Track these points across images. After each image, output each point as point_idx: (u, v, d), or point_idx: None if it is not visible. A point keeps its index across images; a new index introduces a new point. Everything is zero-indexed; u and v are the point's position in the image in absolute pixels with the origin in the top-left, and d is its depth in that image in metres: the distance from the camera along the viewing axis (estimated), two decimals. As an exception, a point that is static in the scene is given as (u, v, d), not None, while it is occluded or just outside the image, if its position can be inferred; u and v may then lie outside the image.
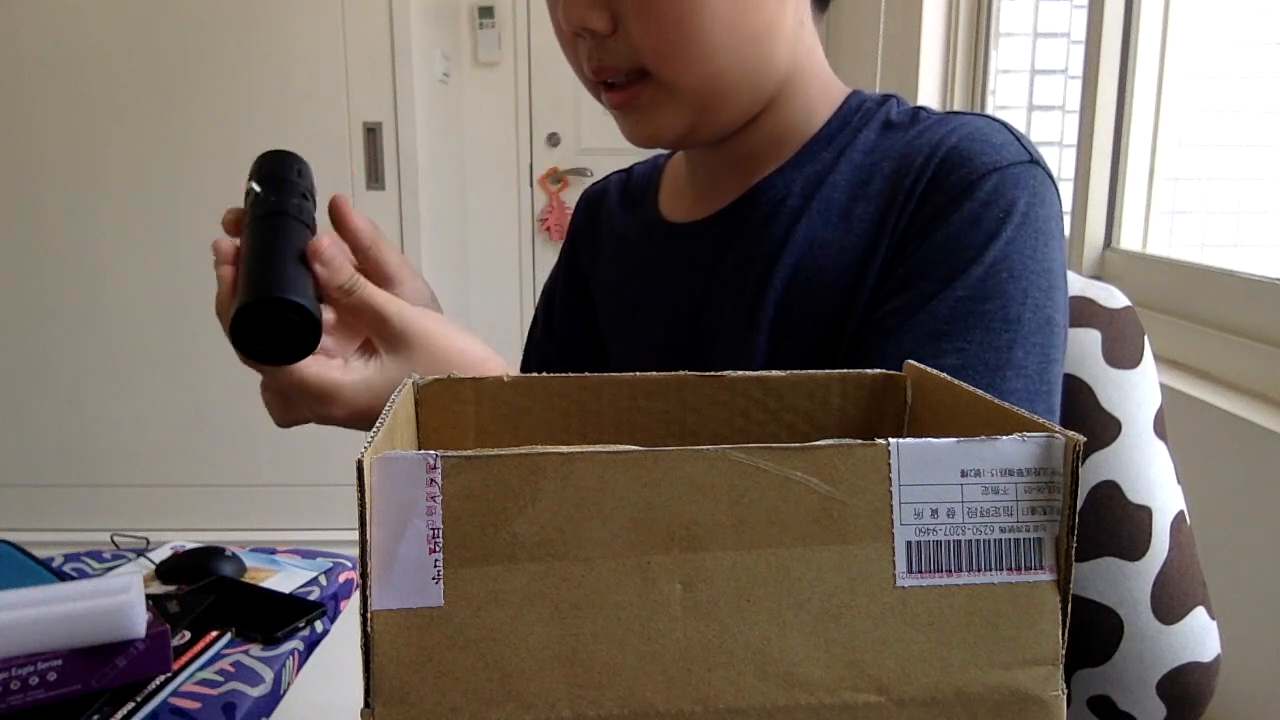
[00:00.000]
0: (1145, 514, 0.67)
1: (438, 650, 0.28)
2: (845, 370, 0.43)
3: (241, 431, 2.62)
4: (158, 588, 1.17)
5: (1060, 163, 1.89)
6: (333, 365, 0.55)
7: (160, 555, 1.24)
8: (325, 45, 2.48)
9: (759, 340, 0.63)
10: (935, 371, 0.40)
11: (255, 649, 1.02)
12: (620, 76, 0.63)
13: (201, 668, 0.97)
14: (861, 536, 0.29)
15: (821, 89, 0.68)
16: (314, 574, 1.22)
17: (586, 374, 0.42)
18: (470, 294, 2.89)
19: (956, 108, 2.03)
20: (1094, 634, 0.67)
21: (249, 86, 2.49)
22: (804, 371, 0.42)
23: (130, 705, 0.89)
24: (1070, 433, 0.29)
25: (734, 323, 0.65)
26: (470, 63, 2.85)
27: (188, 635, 1.02)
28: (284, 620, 1.06)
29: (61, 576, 1.16)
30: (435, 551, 0.28)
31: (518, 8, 2.83)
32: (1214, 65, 1.58)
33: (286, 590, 1.16)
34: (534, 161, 2.94)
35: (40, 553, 1.21)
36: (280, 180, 0.60)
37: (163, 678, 0.93)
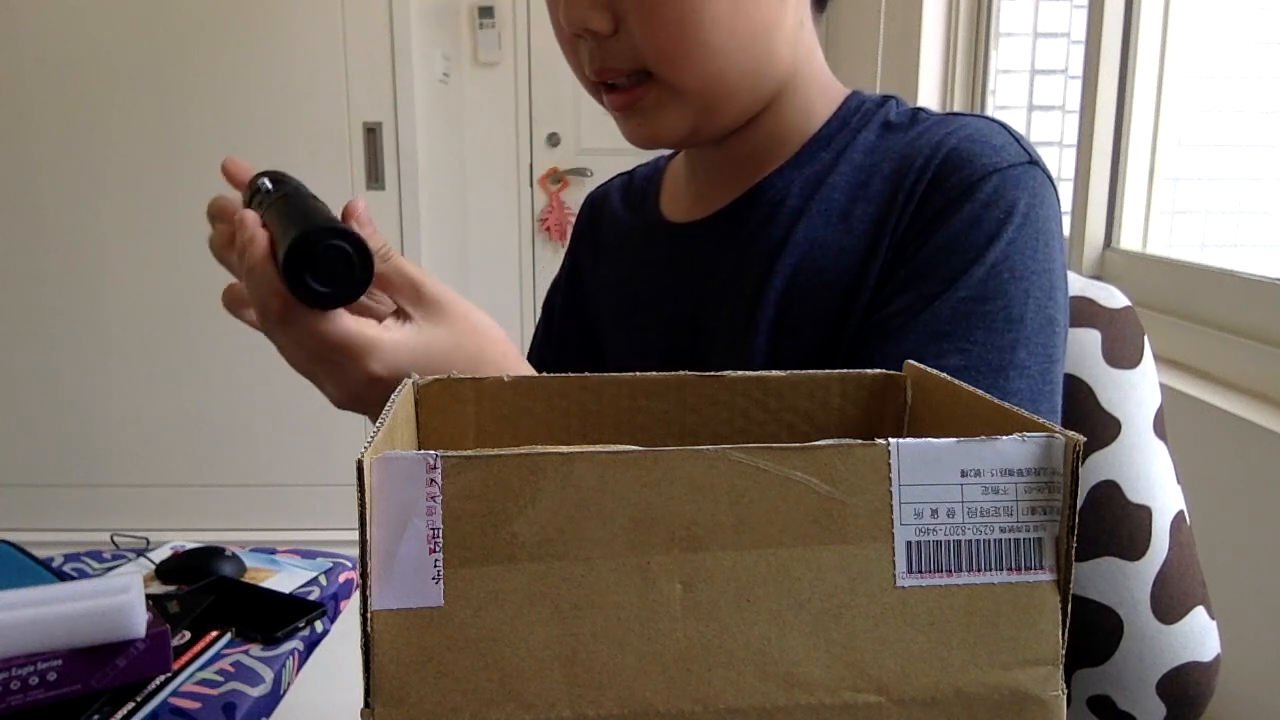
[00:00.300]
0: (1145, 514, 0.67)
1: (438, 650, 0.28)
2: (845, 370, 0.43)
3: (241, 431, 2.62)
4: (158, 588, 1.17)
5: (1060, 163, 1.89)
6: (370, 322, 0.53)
7: (160, 555, 1.24)
8: (325, 45, 2.48)
9: (759, 340, 0.63)
10: (935, 371, 0.40)
11: (255, 649, 1.02)
12: (622, 78, 0.62)
13: (201, 668, 0.97)
14: (861, 536, 0.29)
15: (821, 89, 0.68)
16: (314, 574, 1.22)
17: (586, 374, 0.42)
18: (470, 294, 2.88)
19: (956, 108, 2.03)
20: (1094, 634, 0.67)
21: (249, 86, 2.49)
22: (804, 371, 0.42)
23: (130, 705, 0.89)
24: (1070, 433, 0.29)
25: (733, 323, 0.65)
26: (470, 63, 2.85)
27: (188, 635, 1.02)
28: (284, 620, 1.06)
29: (61, 576, 1.16)
30: (435, 551, 0.28)
31: (518, 8, 2.84)
32: (1214, 65, 1.58)
33: (286, 590, 1.16)
34: (534, 161, 2.94)
35: (40, 553, 1.21)
36: (287, 178, 0.60)
37: (163, 678, 0.93)
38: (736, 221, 0.68)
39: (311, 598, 1.15)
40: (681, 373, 0.42)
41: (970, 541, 0.29)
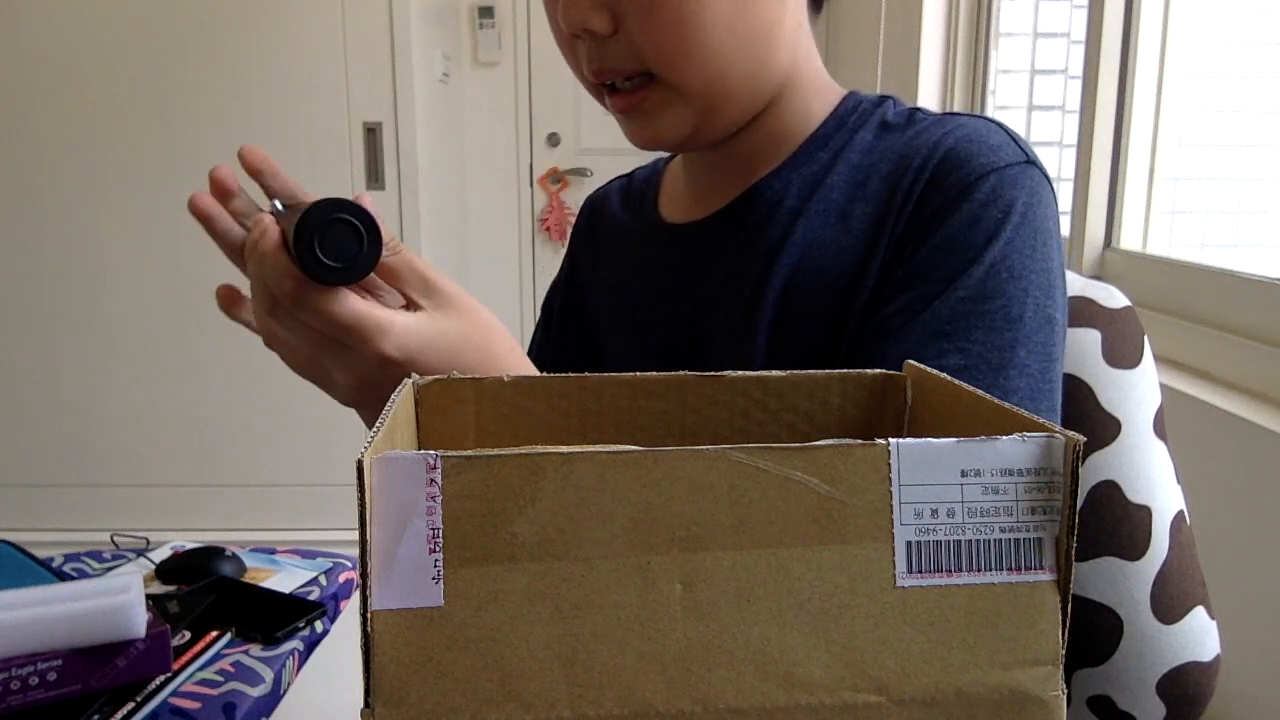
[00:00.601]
0: (1145, 514, 0.67)
1: (438, 650, 0.28)
2: (845, 370, 0.43)
3: (241, 431, 2.62)
4: (158, 588, 1.17)
5: (1060, 163, 1.89)
6: (380, 305, 0.53)
7: (160, 555, 1.24)
8: (325, 45, 2.48)
9: (758, 340, 0.63)
10: (935, 371, 0.40)
11: (255, 649, 1.02)
12: (621, 79, 0.63)
13: (201, 668, 0.97)
14: (861, 536, 0.29)
15: (818, 90, 0.69)
16: (314, 574, 1.22)
17: (586, 374, 0.42)
18: (470, 293, 2.88)
19: (957, 108, 2.03)
20: (1094, 634, 0.67)
21: (249, 86, 2.49)
22: (804, 371, 0.42)
23: (130, 705, 0.89)
24: (1070, 433, 0.29)
25: (732, 323, 0.65)
26: (470, 63, 2.85)
27: (188, 635, 1.02)
28: (284, 620, 1.06)
29: (61, 576, 1.16)
30: (435, 551, 0.28)
31: (518, 8, 2.84)
32: (1214, 65, 1.58)
33: (286, 590, 1.16)
34: (534, 161, 2.94)
35: (40, 553, 1.21)
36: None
37: (163, 678, 0.93)
38: (735, 222, 0.68)
39: (311, 598, 1.15)
40: (681, 373, 0.42)
41: (970, 541, 0.29)
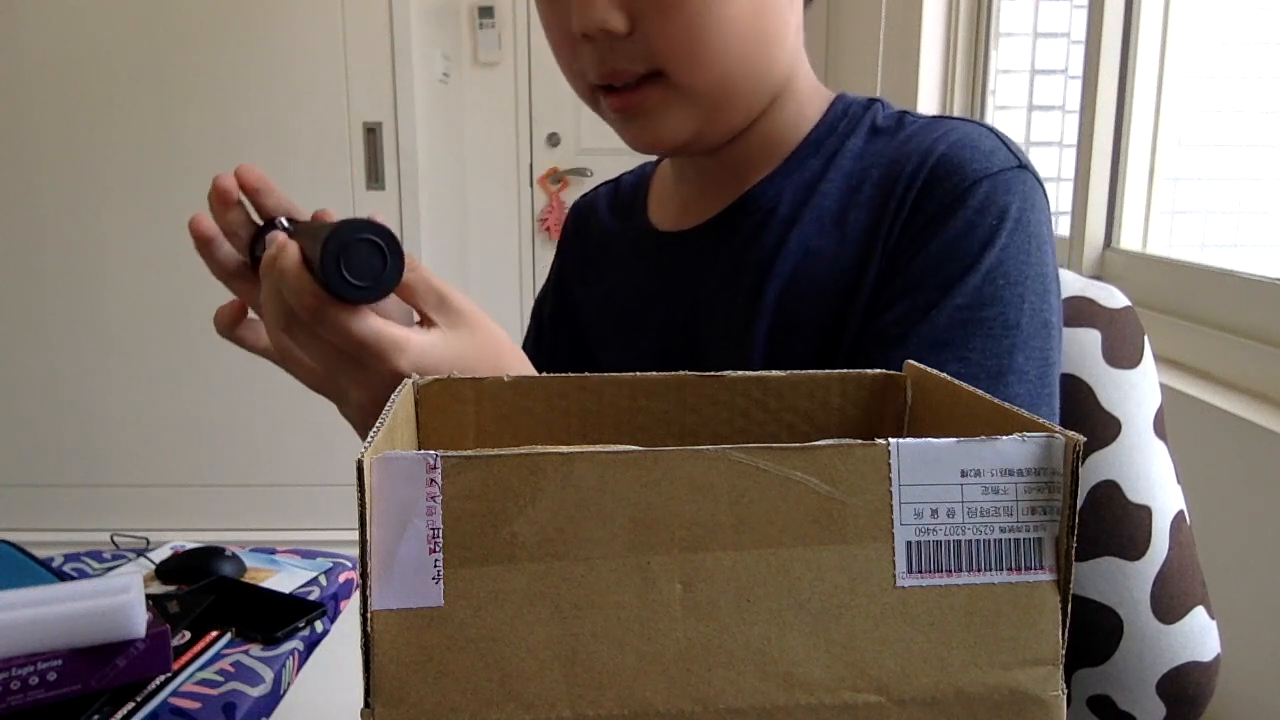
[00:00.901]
0: (1145, 513, 0.67)
1: (438, 650, 0.28)
2: (845, 370, 0.43)
3: (241, 431, 2.62)
4: (158, 588, 1.17)
5: (1060, 163, 1.89)
6: (396, 324, 0.54)
7: (160, 555, 1.24)
8: (325, 45, 2.48)
9: (754, 348, 0.63)
10: (935, 372, 0.40)
11: (255, 649, 1.02)
12: (632, 79, 0.62)
13: (201, 668, 0.97)
14: (861, 536, 0.29)
15: (810, 95, 0.68)
16: (314, 574, 1.22)
17: (586, 374, 0.42)
18: (470, 294, 2.87)
19: (957, 107, 2.03)
20: (1094, 633, 0.67)
21: (249, 86, 2.49)
22: (804, 371, 0.43)
23: (130, 705, 0.89)
24: (1070, 433, 0.29)
25: (729, 331, 0.65)
26: (470, 63, 2.85)
27: (188, 635, 1.02)
28: (284, 620, 1.06)
29: (61, 576, 1.16)
30: (435, 551, 0.28)
31: (518, 8, 2.84)
32: (1214, 65, 1.58)
33: (286, 590, 1.16)
34: (534, 161, 2.94)
35: (40, 553, 1.21)
36: (296, 220, 0.61)
37: (163, 678, 0.93)
38: (728, 230, 0.67)
39: (311, 598, 1.15)
40: (681, 373, 0.42)
41: (970, 541, 0.29)
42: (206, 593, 1.11)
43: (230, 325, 0.61)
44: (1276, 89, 1.60)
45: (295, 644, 1.04)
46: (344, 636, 1.11)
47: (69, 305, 2.59)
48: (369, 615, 0.28)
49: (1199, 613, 0.68)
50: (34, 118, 2.50)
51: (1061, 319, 0.61)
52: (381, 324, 0.51)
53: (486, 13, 2.80)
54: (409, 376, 0.52)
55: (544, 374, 0.43)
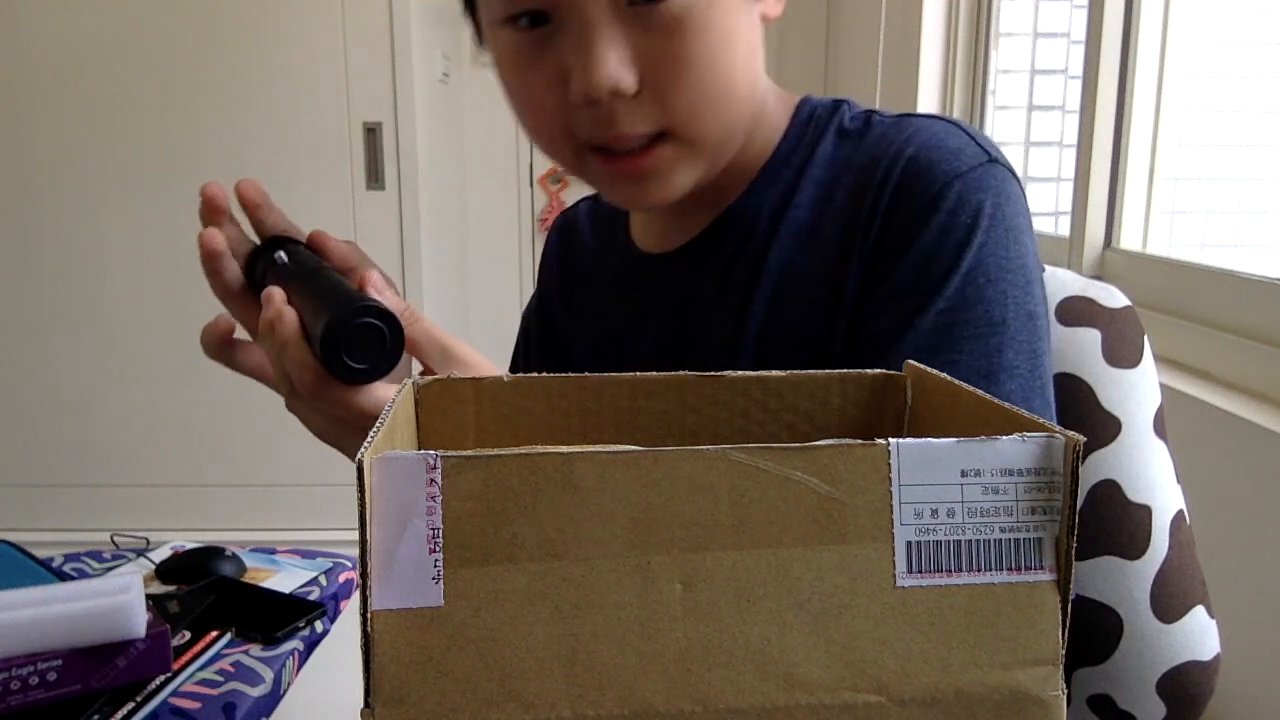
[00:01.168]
0: (1145, 513, 0.67)
1: (438, 650, 0.28)
2: (845, 370, 0.43)
3: (241, 431, 2.62)
4: (158, 588, 1.17)
5: (1060, 163, 1.89)
6: (396, 386, 0.54)
7: (160, 555, 1.24)
8: (325, 45, 2.48)
9: (743, 368, 0.63)
10: (935, 372, 0.40)
11: (255, 649, 1.02)
12: (641, 141, 0.59)
13: (201, 668, 0.97)
14: (861, 536, 0.29)
15: (774, 103, 0.68)
16: (314, 574, 1.22)
17: (586, 374, 0.42)
18: (470, 294, 2.89)
19: (957, 108, 2.03)
20: (1094, 633, 0.67)
21: (249, 86, 2.49)
22: (804, 372, 0.43)
23: (130, 705, 0.89)
24: (1070, 433, 0.29)
25: (718, 349, 0.65)
26: (470, 63, 2.85)
27: (188, 635, 1.02)
28: (284, 620, 1.06)
29: (61, 576, 1.16)
30: (435, 551, 0.28)
31: (518, 8, 2.83)
32: (1214, 65, 1.59)
33: (286, 590, 1.16)
34: (534, 161, 2.94)
35: (40, 553, 1.21)
36: (295, 246, 0.62)
37: (163, 678, 0.93)
38: (709, 249, 0.67)
39: (311, 598, 1.15)
40: (681, 373, 0.42)
41: (970, 541, 0.29)
42: (206, 593, 1.11)
43: (218, 347, 0.60)
44: (1276, 89, 1.61)
45: (295, 644, 1.04)
46: (344, 636, 1.11)
47: (69, 305, 2.59)
48: (369, 615, 0.28)
49: (1199, 612, 0.68)
50: (34, 118, 2.50)
51: (1047, 308, 0.61)
52: (383, 393, 0.52)
53: (486, 13, 2.80)
54: None
55: (543, 374, 0.43)
